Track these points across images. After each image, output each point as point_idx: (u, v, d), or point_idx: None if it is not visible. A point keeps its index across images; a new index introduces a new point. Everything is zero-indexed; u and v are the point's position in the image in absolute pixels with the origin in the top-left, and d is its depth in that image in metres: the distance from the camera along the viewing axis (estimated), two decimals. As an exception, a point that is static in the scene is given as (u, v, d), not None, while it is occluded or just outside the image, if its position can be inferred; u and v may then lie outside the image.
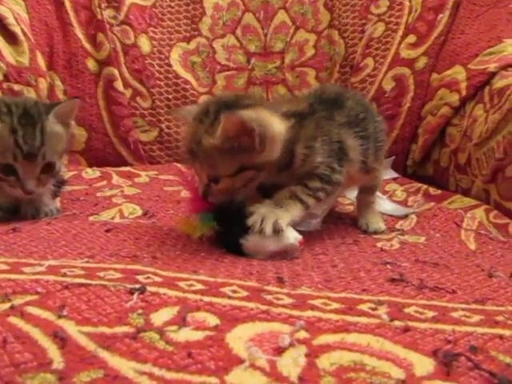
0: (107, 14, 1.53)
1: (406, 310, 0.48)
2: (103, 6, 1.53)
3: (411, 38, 1.48)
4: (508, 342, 0.43)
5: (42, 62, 1.43)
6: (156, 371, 0.35)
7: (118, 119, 1.51)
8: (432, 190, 1.22)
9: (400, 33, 1.50)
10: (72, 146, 0.97)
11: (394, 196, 1.19)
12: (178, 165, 1.50)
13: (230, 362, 0.37)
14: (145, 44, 1.56)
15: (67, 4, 1.51)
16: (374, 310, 0.48)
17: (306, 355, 0.38)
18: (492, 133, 1.09)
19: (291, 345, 0.39)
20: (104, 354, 0.37)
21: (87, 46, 1.52)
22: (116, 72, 1.51)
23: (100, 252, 0.66)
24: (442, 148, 1.34)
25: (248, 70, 1.60)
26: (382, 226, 0.91)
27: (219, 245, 0.73)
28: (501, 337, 0.44)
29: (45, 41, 1.48)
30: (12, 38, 1.34)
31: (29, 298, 0.47)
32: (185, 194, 1.18)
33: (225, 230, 0.73)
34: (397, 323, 0.44)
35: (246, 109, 0.70)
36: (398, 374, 0.36)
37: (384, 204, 1.09)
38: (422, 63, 1.44)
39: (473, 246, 0.81)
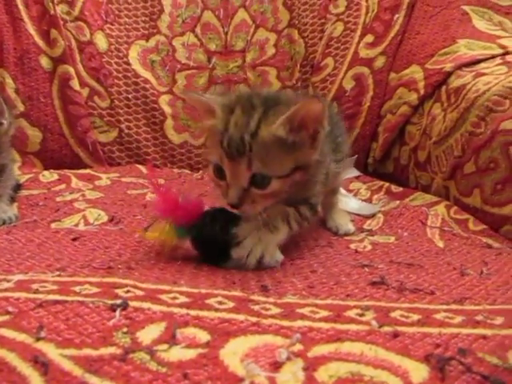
0: (60, 9, 1.47)
1: (392, 315, 0.49)
2: (56, 0, 1.47)
3: (369, 38, 1.50)
4: (491, 341, 0.44)
5: (-10, 58, 1.36)
6: (152, 395, 0.34)
7: (75, 119, 1.46)
8: (394, 188, 1.25)
9: (358, 32, 1.52)
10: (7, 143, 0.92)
11: (359, 195, 1.21)
12: (140, 166, 1.47)
13: (228, 381, 0.35)
14: (101, 41, 1.51)
15: (17, -2, 1.44)
16: (361, 315, 0.48)
17: (304, 369, 0.37)
18: (450, 131, 1.13)
19: (288, 359, 0.38)
20: (93, 380, 0.35)
21: (40, 42, 1.46)
22: (72, 70, 1.45)
23: (70, 263, 0.63)
24: (401, 146, 1.37)
25: (209, 69, 1.58)
26: (351, 227, 0.92)
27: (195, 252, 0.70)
28: (484, 337, 0.45)
29: (-7, 36, 1.41)
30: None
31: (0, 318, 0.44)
32: (150, 197, 1.15)
33: (201, 252, 0.68)
34: (386, 329, 0.45)
35: (294, 101, 0.64)
36: (395, 382, 0.37)
37: (351, 202, 1.11)
38: (380, 62, 1.47)
39: (441, 244, 0.83)
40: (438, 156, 1.17)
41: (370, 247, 0.79)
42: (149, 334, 0.42)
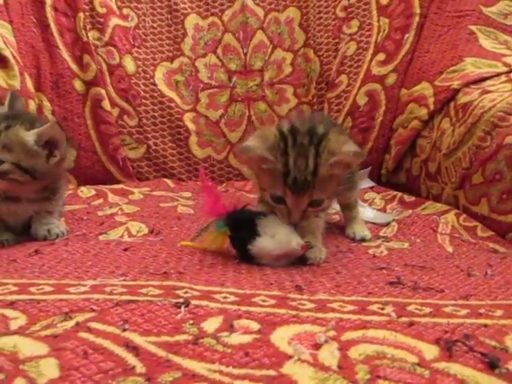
0: (92, 35, 1.60)
1: (408, 308, 0.58)
2: (88, 28, 1.59)
3: (381, 56, 1.59)
4: (491, 329, 0.54)
5: (30, 83, 1.48)
6: (224, 369, 0.43)
7: (107, 137, 1.58)
8: (406, 197, 1.33)
9: (370, 51, 1.61)
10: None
11: (374, 204, 1.30)
12: (167, 180, 1.58)
13: (281, 357, 0.45)
14: (129, 64, 1.63)
15: (52, 26, 1.57)
16: (382, 309, 0.57)
17: (339, 349, 0.47)
18: (459, 144, 1.21)
19: (325, 341, 0.48)
20: (176, 358, 0.45)
21: (74, 67, 1.58)
22: (103, 92, 1.57)
23: (128, 270, 0.73)
24: (413, 158, 1.46)
25: (230, 87, 1.69)
26: (367, 233, 1.01)
27: (231, 247, 0.82)
28: (485, 325, 0.54)
29: (32, 63, 1.54)
30: (2, 62, 1.38)
31: (87, 315, 0.54)
32: (181, 209, 1.26)
33: (235, 235, 0.82)
34: (403, 319, 0.54)
35: (329, 135, 0.80)
36: (412, 359, 0.46)
37: (366, 212, 1.20)
38: (391, 79, 1.56)
39: (450, 249, 0.92)
40: (447, 167, 1.25)
41: (386, 252, 0.88)
42: (211, 325, 0.52)
